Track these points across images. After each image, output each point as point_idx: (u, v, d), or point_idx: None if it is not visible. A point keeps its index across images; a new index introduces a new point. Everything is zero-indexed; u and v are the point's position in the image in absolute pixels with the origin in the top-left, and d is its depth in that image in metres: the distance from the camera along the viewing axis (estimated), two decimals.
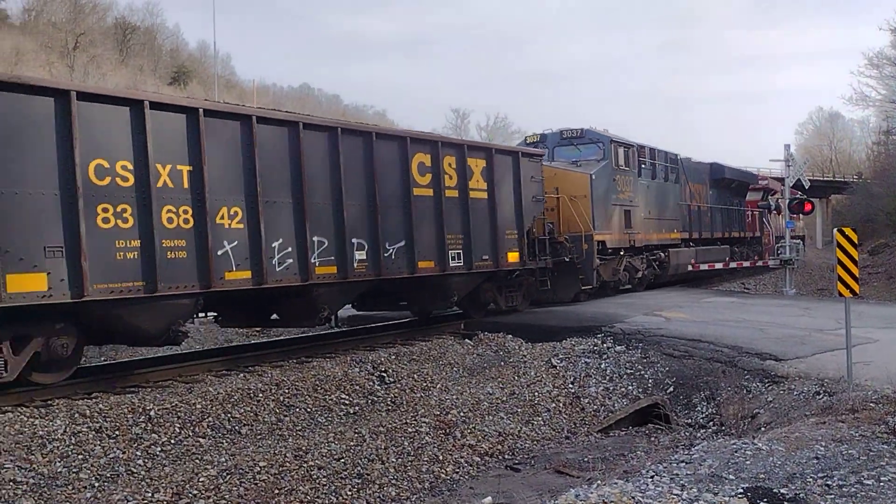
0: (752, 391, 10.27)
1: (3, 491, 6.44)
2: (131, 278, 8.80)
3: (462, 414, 9.85)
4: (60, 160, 8.29)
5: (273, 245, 10.33)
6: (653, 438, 10.01)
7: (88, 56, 46.92)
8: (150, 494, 6.58)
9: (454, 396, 10.45)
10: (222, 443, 8.18)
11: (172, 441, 7.89)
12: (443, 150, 13.23)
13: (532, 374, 11.78)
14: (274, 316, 11.97)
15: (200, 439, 8.09)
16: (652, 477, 5.84)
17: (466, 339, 13.46)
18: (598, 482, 6.14)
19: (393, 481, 8.08)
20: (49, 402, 8.32)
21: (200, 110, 9.63)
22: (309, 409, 9.37)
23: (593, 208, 17.17)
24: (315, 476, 7.62)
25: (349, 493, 7.65)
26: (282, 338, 14.34)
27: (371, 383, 10.46)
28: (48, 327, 8.52)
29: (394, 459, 8.44)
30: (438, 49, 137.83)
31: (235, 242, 9.89)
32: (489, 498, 7.35)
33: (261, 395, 9.22)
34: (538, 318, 14.92)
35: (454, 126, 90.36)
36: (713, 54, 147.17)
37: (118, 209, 8.70)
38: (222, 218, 9.78)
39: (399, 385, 10.60)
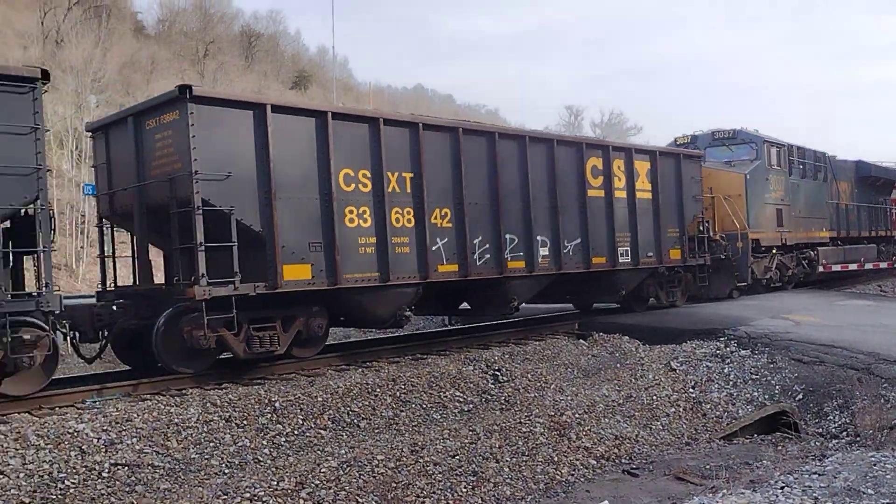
0: (891, 401, 9.62)
1: (143, 474, 6.88)
2: (370, 269, 10.44)
3: (577, 415, 9.72)
4: (320, 170, 10.00)
5: (474, 242, 11.76)
6: (780, 447, 9.56)
7: (217, 63, 49.39)
8: (275, 483, 6.84)
9: (569, 397, 10.32)
10: (342, 435, 8.42)
11: (296, 432, 8.19)
12: (613, 154, 14.31)
13: (650, 377, 11.47)
14: (463, 305, 13.53)
15: (322, 431, 8.36)
16: (782, 488, 5.57)
17: (581, 340, 13.28)
18: (723, 491, 5.91)
19: (507, 480, 8.07)
20: (183, 391, 8.84)
21: (420, 125, 11.20)
22: (424, 406, 9.49)
23: (748, 207, 17.65)
24: (431, 471, 7.71)
25: (464, 490, 7.70)
26: (397, 334, 14.61)
27: (485, 382, 10.48)
28: (308, 310, 10.13)
29: (508, 458, 8.43)
30: (550, 46, 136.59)
31: (446, 240, 11.39)
32: (606, 502, 7.23)
33: (378, 390, 9.42)
34: (656, 319, 14.54)
35: (567, 123, 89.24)
36: (846, 44, 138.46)
37: (360, 211, 10.37)
38: (436, 218, 11.29)
39: (513, 384, 10.58)
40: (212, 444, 7.55)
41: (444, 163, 11.46)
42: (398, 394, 9.49)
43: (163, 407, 7.98)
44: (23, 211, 8.34)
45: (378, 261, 10.50)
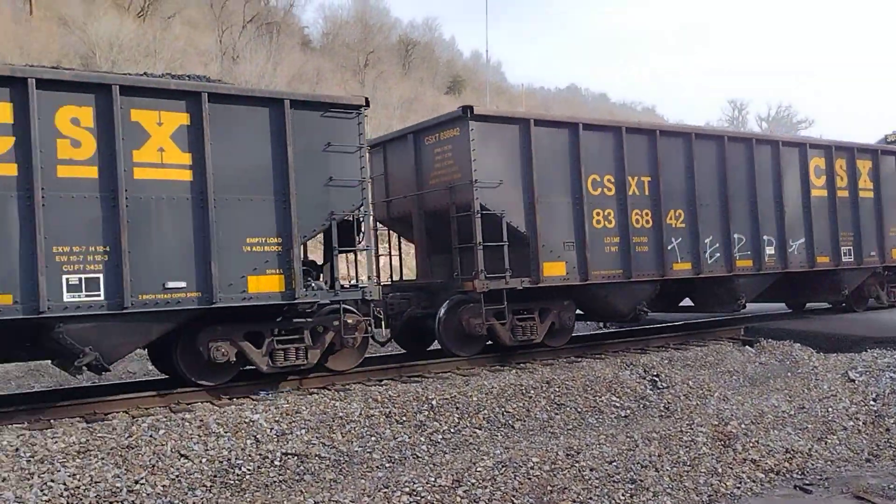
0: None
1: (311, 464, 7.26)
2: (614, 266, 11.49)
3: (743, 426, 9.22)
4: (572, 176, 11.16)
5: (706, 241, 12.55)
6: None
7: (376, 72, 51.30)
8: (432, 479, 6.99)
9: (734, 406, 9.82)
10: (497, 436, 8.48)
11: (452, 430, 8.34)
12: (835, 154, 14.77)
13: (825, 387, 10.68)
14: (684, 302, 14.23)
15: (477, 430, 8.46)
16: None
17: (747, 346, 12.62)
18: None
19: (668, 490, 7.79)
20: (347, 386, 9.26)
21: (657, 131, 12.20)
22: (579, 409, 9.37)
23: None
24: (587, 477, 7.59)
25: (622, 497, 7.51)
26: None
27: (643, 387, 10.20)
28: (560, 303, 11.30)
29: (668, 468, 8.14)
30: (710, 38, 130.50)
31: (679, 239, 12.27)
32: None
33: (532, 391, 9.40)
34: (830, 325, 13.56)
35: (730, 118, 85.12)
36: None
37: (605, 213, 11.46)
38: (671, 219, 12.18)
39: (672, 391, 10.21)
40: (373, 439, 7.85)
41: (677, 166, 12.29)
42: (553, 396, 9.43)
43: (328, 401, 8.39)
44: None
45: (621, 259, 11.53)
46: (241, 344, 8.80)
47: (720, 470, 8.34)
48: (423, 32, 65.58)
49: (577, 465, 7.73)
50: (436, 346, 12.44)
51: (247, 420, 7.67)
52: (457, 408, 8.69)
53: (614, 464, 7.90)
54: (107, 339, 7.91)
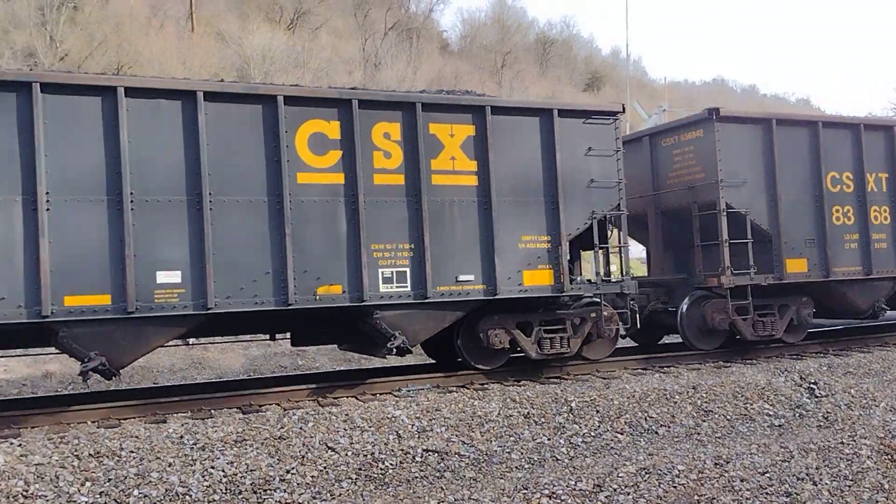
0: None
1: (451, 461, 7.35)
2: (853, 263, 11.80)
3: None
4: (812, 174, 11.54)
5: None
6: None
7: (513, 72, 51.37)
8: (572, 482, 6.88)
9: None
10: (639, 441, 8.24)
11: (592, 434, 8.18)
12: None
13: None
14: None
15: (619, 435, 8.26)
16: None
17: None
18: None
19: None
20: (485, 385, 9.31)
21: (894, 128, 12.31)
22: (728, 417, 8.94)
23: None
24: (737, 488, 7.22)
25: None
26: None
27: (798, 395, 9.59)
28: (798, 300, 11.59)
29: (827, 482, 7.60)
30: (874, 22, 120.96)
31: None
32: None
33: (677, 396, 9.07)
34: None
35: None
36: None
37: (844, 209, 11.79)
38: None
39: (832, 399, 9.54)
40: (512, 439, 7.83)
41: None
42: (699, 402, 9.05)
43: (467, 399, 8.46)
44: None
45: (861, 255, 11.78)
46: (513, 332, 9.63)
47: (886, 486, 7.70)
48: (560, 30, 65.15)
49: (726, 474, 7.38)
50: (666, 340, 12.94)
51: (389, 416, 7.87)
52: (597, 411, 8.52)
53: (767, 475, 7.48)
54: (411, 326, 8.99)
